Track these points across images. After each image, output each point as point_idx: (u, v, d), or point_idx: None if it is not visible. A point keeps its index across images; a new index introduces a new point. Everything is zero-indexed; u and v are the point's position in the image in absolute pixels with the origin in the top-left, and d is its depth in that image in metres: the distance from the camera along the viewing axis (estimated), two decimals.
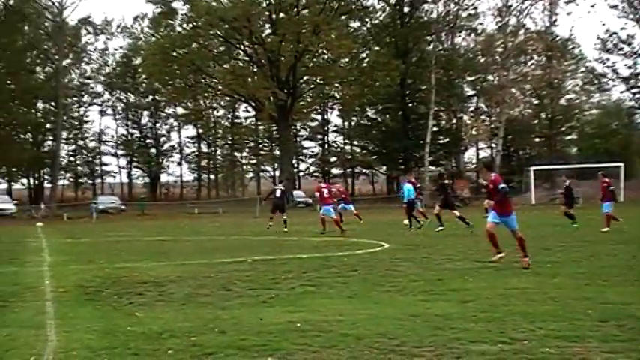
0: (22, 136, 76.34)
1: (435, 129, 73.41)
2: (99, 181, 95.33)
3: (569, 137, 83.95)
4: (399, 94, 74.05)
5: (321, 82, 69.96)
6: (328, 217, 26.91)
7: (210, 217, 52.42)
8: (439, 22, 71.50)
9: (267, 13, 65.35)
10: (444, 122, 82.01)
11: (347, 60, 69.00)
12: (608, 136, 75.06)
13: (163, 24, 69.37)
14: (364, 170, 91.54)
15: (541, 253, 16.62)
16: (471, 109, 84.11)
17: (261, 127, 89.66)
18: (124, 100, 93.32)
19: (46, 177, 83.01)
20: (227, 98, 79.71)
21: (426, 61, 71.30)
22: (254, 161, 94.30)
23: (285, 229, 28.49)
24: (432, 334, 7.93)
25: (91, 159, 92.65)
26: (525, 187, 60.48)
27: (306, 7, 64.12)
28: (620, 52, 72.26)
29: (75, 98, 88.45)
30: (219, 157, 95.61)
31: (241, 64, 69.91)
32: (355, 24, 73.14)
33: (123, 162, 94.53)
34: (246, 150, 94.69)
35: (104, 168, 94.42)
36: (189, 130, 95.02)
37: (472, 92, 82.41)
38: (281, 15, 64.68)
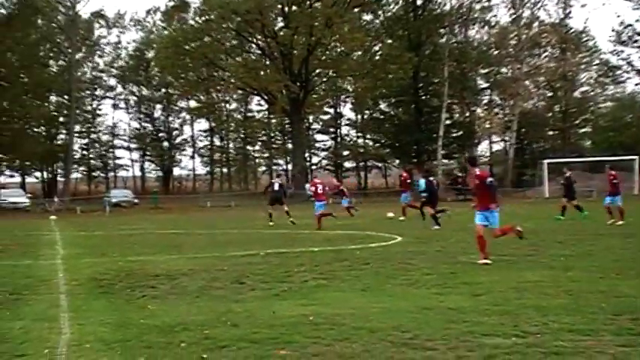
0: (35, 130, 76.38)
1: (447, 122, 73.21)
2: (112, 174, 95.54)
3: (583, 130, 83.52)
4: (412, 87, 73.82)
5: (334, 75, 69.89)
6: (318, 212, 26.87)
7: (223, 210, 52.46)
8: (452, 15, 71.32)
9: (279, 6, 65.28)
10: (457, 115, 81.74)
11: (360, 53, 68.87)
12: (622, 129, 74.51)
13: (176, 17, 69.43)
14: (377, 163, 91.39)
15: (555, 247, 16.59)
16: (485, 101, 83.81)
17: (273, 121, 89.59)
18: (137, 94, 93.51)
19: (60, 170, 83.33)
20: (239, 91, 79.68)
21: (439, 54, 71.13)
22: (266, 154, 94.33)
23: (292, 220, 28.31)
24: (445, 327, 7.92)
25: (103, 152, 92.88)
26: (539, 181, 60.20)
27: (318, 0, 64.00)
28: (635, 44, 71.80)
29: (88, 92, 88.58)
30: (231, 151, 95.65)
31: (254, 58, 69.93)
32: (368, 17, 73.06)
33: (136, 155, 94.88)
34: (259, 143, 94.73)
35: (117, 161, 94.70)
36: (202, 124, 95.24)
37: (485, 85, 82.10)
38: (293, 8, 64.59)
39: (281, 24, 66.55)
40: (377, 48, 71.30)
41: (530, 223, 25.93)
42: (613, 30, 77.72)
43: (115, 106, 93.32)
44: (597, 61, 79.70)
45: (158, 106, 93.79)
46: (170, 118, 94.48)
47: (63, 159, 75.86)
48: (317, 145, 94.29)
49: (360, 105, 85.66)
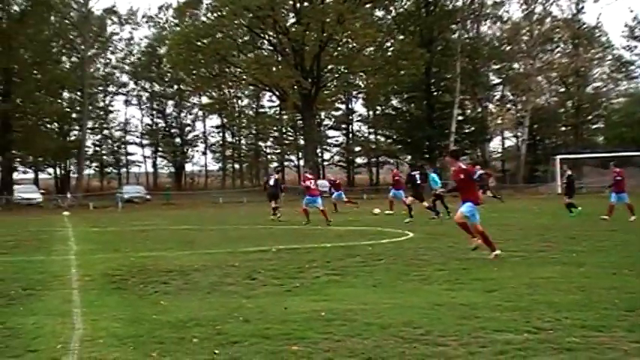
0: (48, 126, 76.74)
1: (460, 118, 73.16)
2: (124, 170, 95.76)
3: (595, 126, 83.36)
4: (424, 82, 73.71)
5: (346, 71, 69.80)
6: (306, 206, 27.03)
7: (235, 206, 52.55)
8: (464, 10, 71.22)
9: (291, 2, 65.20)
10: (469, 111, 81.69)
11: (371, 49, 68.69)
12: (635, 125, 74.17)
13: (188, 13, 69.50)
14: (388, 159, 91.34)
15: (567, 243, 16.56)
16: (497, 97, 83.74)
17: (285, 117, 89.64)
18: (149, 90, 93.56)
19: (72, 166, 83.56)
20: (251, 88, 79.68)
21: (451, 50, 71.02)
22: (278, 150, 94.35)
23: (273, 217, 29.42)
24: (457, 323, 7.91)
25: (116, 148, 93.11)
26: (551, 177, 60.09)
27: None
28: None
29: (100, 88, 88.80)
30: (243, 147, 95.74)
31: (266, 54, 69.88)
32: (380, 12, 72.85)
33: (148, 151, 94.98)
34: (271, 139, 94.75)
35: (129, 157, 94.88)
36: (214, 120, 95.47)
37: (498, 81, 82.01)
38: (305, 4, 64.55)
39: (293, 20, 66.46)
40: (389, 44, 71.10)
41: (542, 219, 25.97)
42: (626, 25, 77.62)
43: (128, 103, 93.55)
44: (610, 57, 79.53)
45: (170, 102, 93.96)
46: (182, 114, 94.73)
47: (76, 155, 76.05)
48: (329, 141, 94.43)
49: (371, 101, 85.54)
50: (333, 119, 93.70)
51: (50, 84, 69.60)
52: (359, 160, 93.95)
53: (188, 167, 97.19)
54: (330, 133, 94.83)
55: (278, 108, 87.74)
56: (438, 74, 75.79)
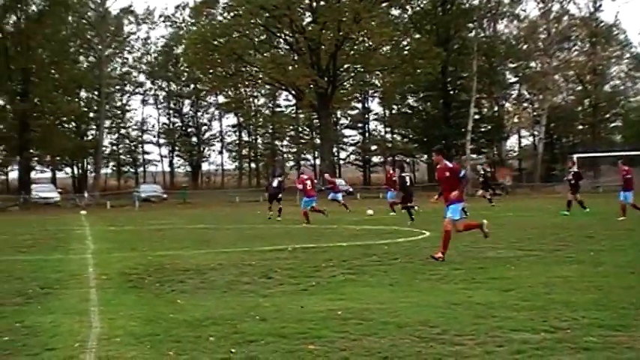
0: (65, 126, 77.00)
1: (476, 117, 72.95)
2: (141, 169, 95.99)
3: (613, 124, 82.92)
4: (440, 81, 73.60)
5: (362, 70, 69.76)
6: (305, 208, 27.28)
7: (251, 205, 52.59)
8: (481, 9, 71.00)
9: (307, 1, 65.26)
10: (485, 110, 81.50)
11: (388, 48, 68.61)
12: None
13: (204, 13, 69.65)
14: (405, 158, 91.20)
15: (584, 242, 16.49)
16: (514, 96, 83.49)
17: (301, 116, 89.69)
18: (166, 89, 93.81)
19: (90, 166, 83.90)
20: (268, 87, 79.78)
21: (468, 49, 70.79)
22: (294, 149, 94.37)
23: (270, 217, 29.96)
24: (474, 322, 7.89)
25: (133, 148, 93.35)
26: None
27: None
28: None
29: (117, 87, 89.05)
30: (259, 146, 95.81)
31: (282, 53, 69.92)
32: (396, 11, 72.76)
33: (165, 151, 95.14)
34: (287, 138, 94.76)
35: (146, 157, 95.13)
36: (230, 119, 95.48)
37: (514, 79, 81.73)
38: (321, 3, 64.58)
39: (309, 19, 66.49)
40: (405, 43, 71.01)
41: (559, 217, 25.84)
42: None
43: (144, 102, 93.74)
44: (628, 55, 79.09)
45: (187, 101, 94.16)
46: (199, 114, 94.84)
47: (93, 154, 76.34)
48: (345, 140, 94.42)
49: (388, 100, 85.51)
50: (349, 118, 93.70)
51: (68, 83, 69.97)
52: (375, 159, 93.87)
53: (204, 166, 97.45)
54: (347, 132, 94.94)
55: (294, 107, 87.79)
56: (454, 73, 75.64)
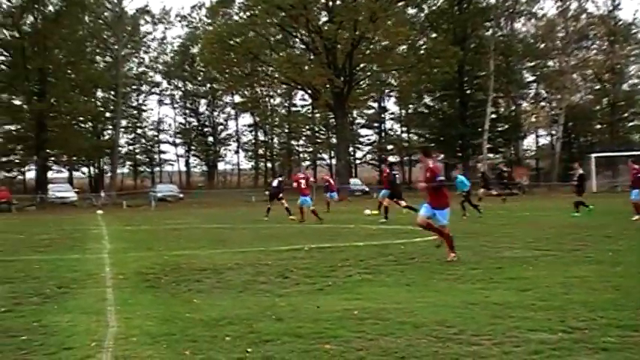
0: (82, 125, 77.30)
1: (493, 116, 72.74)
2: (157, 169, 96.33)
3: (631, 123, 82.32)
4: (457, 80, 73.43)
5: (378, 69, 69.65)
6: (305, 206, 27.64)
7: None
8: (498, 8, 70.77)
9: (323, 1, 65.18)
10: (502, 109, 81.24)
11: (404, 47, 68.47)
12: None
13: (220, 13, 69.77)
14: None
15: (602, 241, 16.39)
16: (531, 95, 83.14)
17: (317, 115, 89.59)
18: (182, 89, 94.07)
19: (106, 165, 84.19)
20: (284, 86, 79.72)
21: (485, 48, 70.59)
22: (310, 149, 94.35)
23: (266, 217, 30.20)
24: (491, 322, 7.85)
25: (149, 147, 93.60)
26: (587, 175, 59.54)
27: None
28: None
29: (134, 87, 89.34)
30: (275, 145, 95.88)
31: (298, 52, 69.93)
32: (412, 11, 72.64)
33: (181, 150, 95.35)
34: (303, 138, 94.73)
35: (162, 156, 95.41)
36: (246, 119, 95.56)
37: (532, 78, 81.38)
38: (338, 2, 64.49)
39: (325, 19, 66.42)
40: (421, 42, 70.88)
41: (575, 218, 25.70)
42: None
43: (161, 102, 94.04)
44: None
45: (203, 101, 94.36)
46: (215, 113, 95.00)
47: (109, 154, 76.62)
48: (361, 139, 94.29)
49: (404, 99, 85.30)
50: (365, 118, 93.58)
51: (84, 83, 70.25)
52: (391, 159, 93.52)
53: (220, 166, 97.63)
54: (363, 131, 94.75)
55: (310, 106, 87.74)
56: (471, 72, 75.46)
